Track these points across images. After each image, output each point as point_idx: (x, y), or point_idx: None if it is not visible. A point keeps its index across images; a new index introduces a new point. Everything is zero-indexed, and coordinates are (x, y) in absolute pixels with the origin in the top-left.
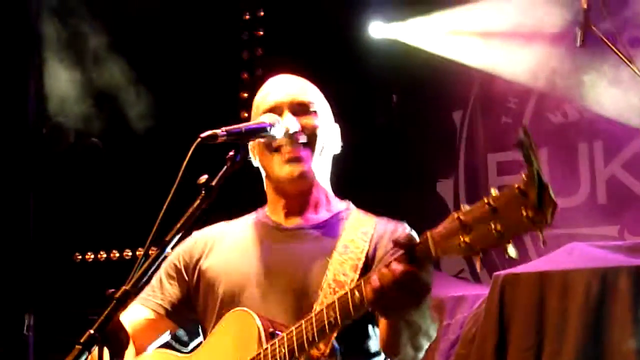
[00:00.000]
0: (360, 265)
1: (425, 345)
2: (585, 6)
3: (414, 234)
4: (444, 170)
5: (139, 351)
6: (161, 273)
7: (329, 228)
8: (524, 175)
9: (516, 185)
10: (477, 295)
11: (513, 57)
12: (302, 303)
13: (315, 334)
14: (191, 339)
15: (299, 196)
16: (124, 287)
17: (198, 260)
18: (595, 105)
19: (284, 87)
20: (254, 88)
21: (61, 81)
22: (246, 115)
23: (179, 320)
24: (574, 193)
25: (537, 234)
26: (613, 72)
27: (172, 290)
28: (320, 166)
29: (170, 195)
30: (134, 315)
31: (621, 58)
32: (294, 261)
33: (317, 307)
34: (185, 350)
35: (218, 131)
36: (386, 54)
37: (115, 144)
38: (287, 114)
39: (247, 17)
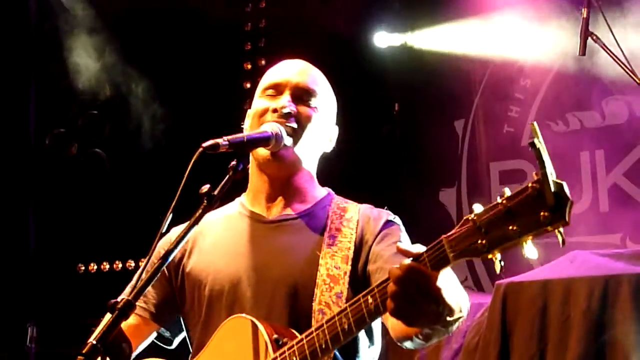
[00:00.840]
0: (351, 255)
1: (447, 333)
2: (585, 15)
3: (398, 220)
4: (447, 179)
5: None
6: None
7: (313, 217)
8: (536, 176)
9: (530, 186)
10: (480, 303)
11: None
12: (297, 301)
13: (329, 341)
14: (174, 336)
15: (279, 180)
16: (126, 298)
17: (181, 260)
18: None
19: (295, 69)
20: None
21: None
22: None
23: (164, 322)
24: (575, 201)
25: (557, 235)
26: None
27: (156, 292)
28: (306, 157)
29: (173, 205)
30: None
31: (623, 67)
32: (283, 257)
33: (315, 307)
34: (169, 348)
35: (220, 140)
36: (389, 63)
37: (118, 153)
38: (287, 95)
39: (248, 28)
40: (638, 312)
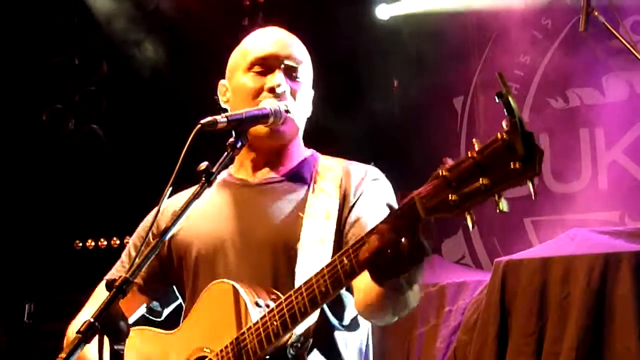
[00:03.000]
0: (335, 214)
1: (405, 313)
2: None
3: (382, 175)
4: (446, 157)
5: None
6: (130, 248)
7: (298, 178)
8: (505, 126)
9: (500, 137)
10: (479, 281)
11: None
12: (281, 262)
13: (307, 304)
14: (164, 309)
15: (272, 151)
16: (124, 275)
17: (167, 230)
18: None
19: (280, 42)
20: None
21: None
22: None
23: (153, 293)
24: (575, 179)
25: (528, 186)
26: None
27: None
28: (298, 127)
29: (171, 182)
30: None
31: (623, 43)
32: (267, 219)
33: (299, 267)
34: (159, 320)
35: (218, 117)
36: (387, 40)
37: (116, 129)
38: (280, 73)
39: (247, 2)
40: (637, 289)
